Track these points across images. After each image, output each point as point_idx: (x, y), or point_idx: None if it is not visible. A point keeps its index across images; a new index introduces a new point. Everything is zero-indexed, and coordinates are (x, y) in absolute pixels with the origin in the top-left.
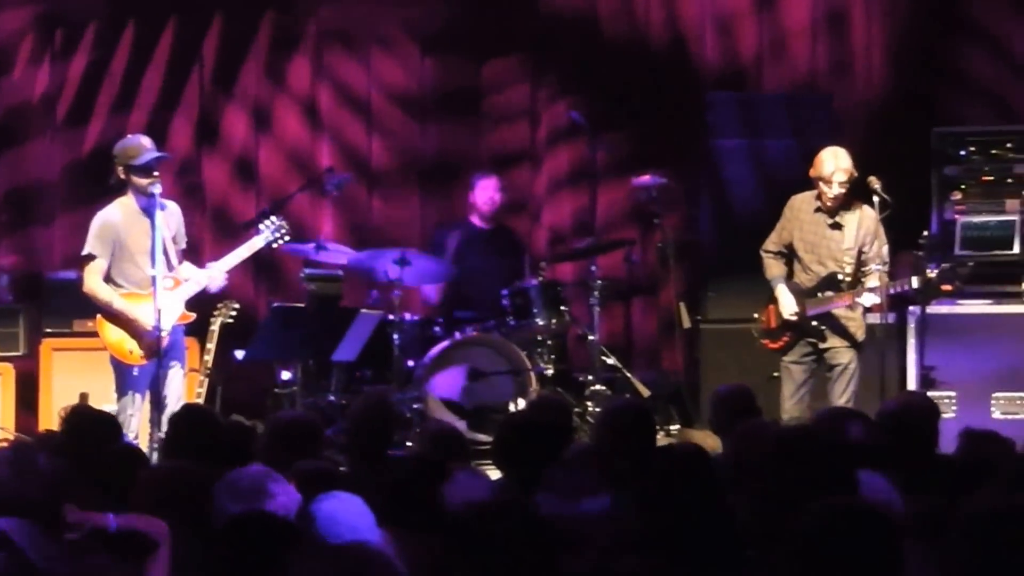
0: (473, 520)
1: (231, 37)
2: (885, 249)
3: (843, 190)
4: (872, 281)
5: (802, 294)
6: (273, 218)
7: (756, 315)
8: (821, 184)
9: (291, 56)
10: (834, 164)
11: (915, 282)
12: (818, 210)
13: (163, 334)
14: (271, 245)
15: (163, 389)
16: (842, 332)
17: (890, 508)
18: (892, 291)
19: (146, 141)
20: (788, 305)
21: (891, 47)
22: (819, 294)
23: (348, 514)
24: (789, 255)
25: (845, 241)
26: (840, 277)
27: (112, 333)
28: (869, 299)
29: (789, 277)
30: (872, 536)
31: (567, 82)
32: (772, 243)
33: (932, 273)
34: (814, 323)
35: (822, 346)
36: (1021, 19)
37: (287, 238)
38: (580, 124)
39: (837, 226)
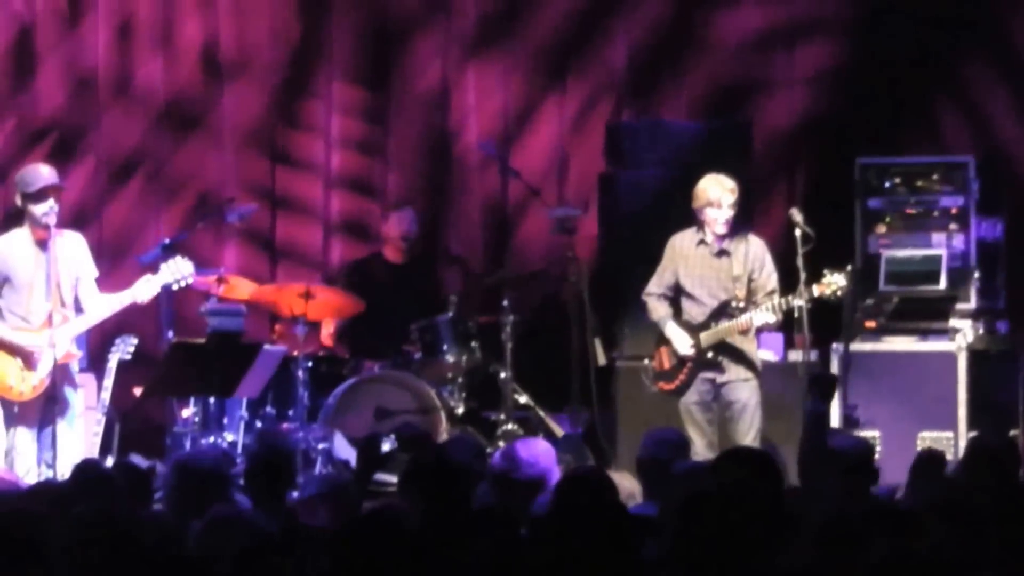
0: None
1: None
2: (774, 277)
3: (733, 212)
4: (765, 304)
5: (694, 329)
6: (177, 258)
7: (646, 360)
8: (708, 211)
9: None
10: (719, 188)
11: (815, 290)
12: (700, 243)
13: (45, 373)
14: (170, 288)
15: (54, 428)
16: (740, 360)
17: None
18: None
19: (44, 170)
20: (682, 341)
21: (813, 70)
22: (713, 324)
23: None
24: (674, 296)
25: (734, 269)
26: (733, 304)
27: None
28: (762, 317)
29: (676, 316)
30: None
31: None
32: (654, 285)
33: (827, 286)
34: (710, 355)
35: (720, 380)
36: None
37: (189, 281)
38: (492, 155)
39: (724, 253)
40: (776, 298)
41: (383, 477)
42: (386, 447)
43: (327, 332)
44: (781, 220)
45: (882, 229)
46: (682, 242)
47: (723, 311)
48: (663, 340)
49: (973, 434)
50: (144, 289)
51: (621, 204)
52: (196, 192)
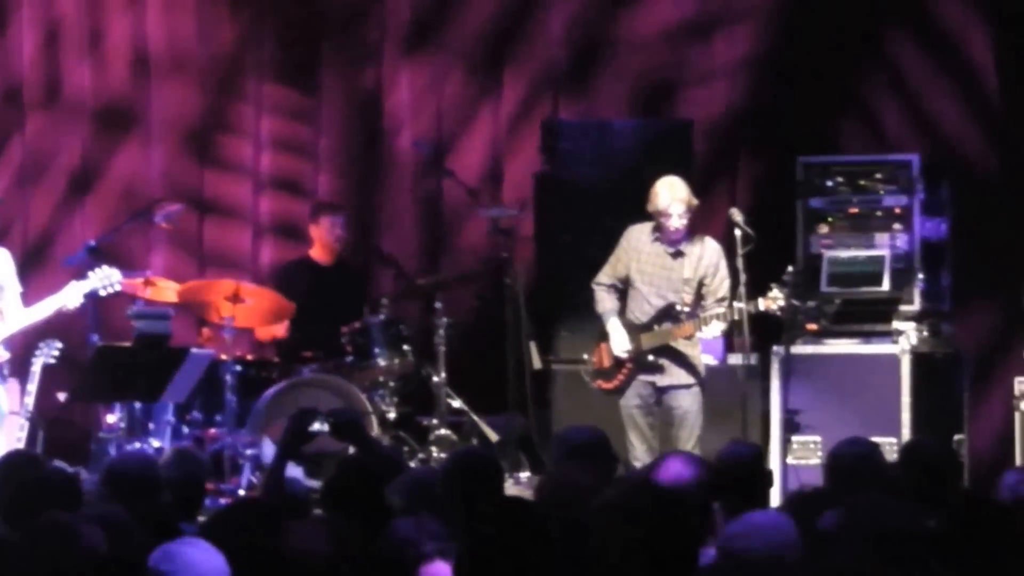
0: None
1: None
2: (726, 284)
3: (684, 222)
4: (715, 313)
5: (637, 329)
6: (105, 266)
7: (586, 356)
8: (660, 218)
9: None
10: (669, 196)
11: (760, 304)
12: (656, 240)
13: None
14: (96, 295)
15: None
16: (682, 364)
17: None
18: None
19: None
20: (620, 342)
21: (755, 66)
22: (656, 327)
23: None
24: (623, 288)
25: (685, 271)
26: (679, 308)
27: None
28: (713, 329)
29: (622, 312)
30: None
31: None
32: (605, 275)
33: (774, 300)
34: (651, 358)
35: (661, 383)
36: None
37: (117, 288)
38: (425, 153)
39: (678, 254)
40: (725, 307)
41: (312, 484)
42: (316, 427)
43: (267, 333)
44: (722, 220)
45: (824, 229)
46: (639, 235)
47: (668, 313)
48: (604, 336)
49: (908, 440)
50: (71, 295)
51: (557, 204)
52: (123, 194)
